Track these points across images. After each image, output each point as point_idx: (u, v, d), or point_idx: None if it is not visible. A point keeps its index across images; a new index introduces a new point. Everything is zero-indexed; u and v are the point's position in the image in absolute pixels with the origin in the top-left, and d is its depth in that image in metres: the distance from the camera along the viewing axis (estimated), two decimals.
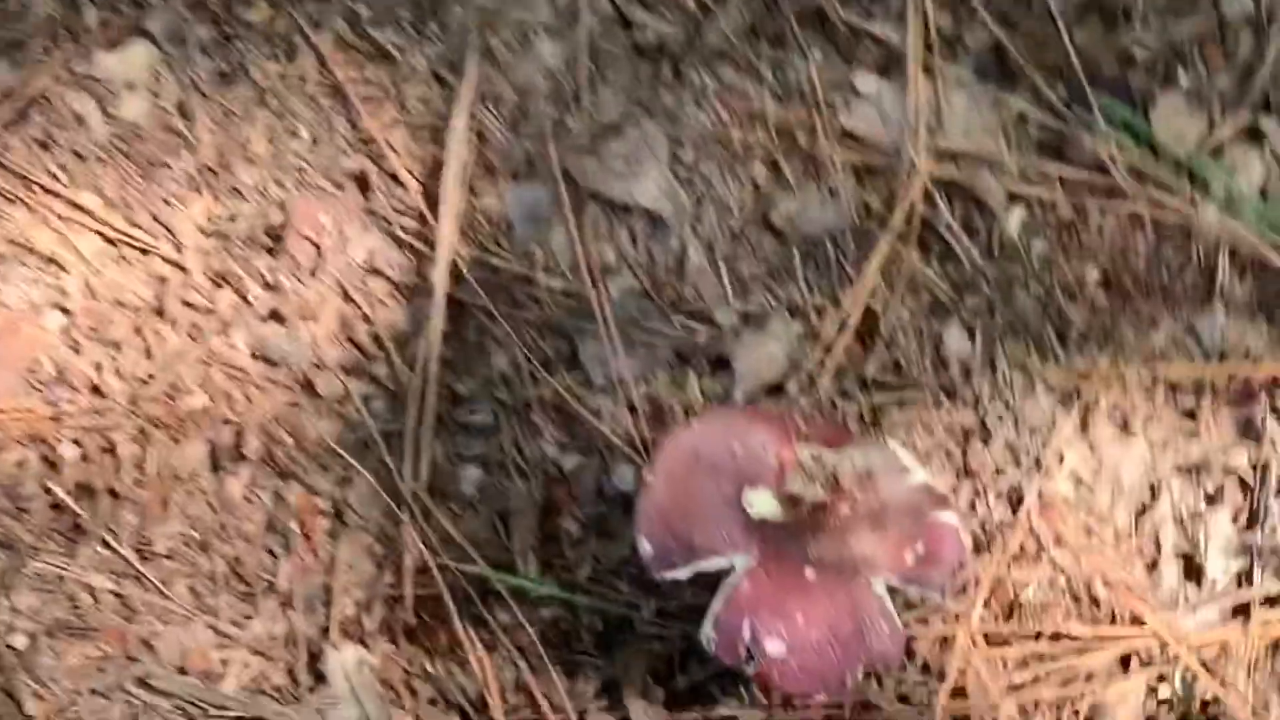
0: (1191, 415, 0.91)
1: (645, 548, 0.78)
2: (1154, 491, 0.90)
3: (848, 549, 0.79)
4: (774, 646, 0.76)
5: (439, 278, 0.95)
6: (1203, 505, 0.89)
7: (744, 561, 0.78)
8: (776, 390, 0.92)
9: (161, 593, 0.92)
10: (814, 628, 0.77)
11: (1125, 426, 0.91)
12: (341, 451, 0.94)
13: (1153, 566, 0.89)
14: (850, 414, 0.91)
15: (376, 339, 0.96)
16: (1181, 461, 0.90)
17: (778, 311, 0.93)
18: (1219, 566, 0.88)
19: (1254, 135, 0.95)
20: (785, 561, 0.78)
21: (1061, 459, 0.90)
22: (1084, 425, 0.91)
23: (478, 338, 0.96)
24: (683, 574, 0.78)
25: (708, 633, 0.77)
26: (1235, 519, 0.89)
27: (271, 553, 0.93)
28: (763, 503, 0.80)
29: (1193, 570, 0.89)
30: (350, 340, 0.96)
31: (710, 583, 0.79)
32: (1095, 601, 0.88)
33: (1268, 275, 0.92)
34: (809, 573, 0.78)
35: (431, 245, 0.96)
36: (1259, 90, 0.95)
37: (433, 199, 0.97)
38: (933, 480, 0.86)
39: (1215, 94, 0.96)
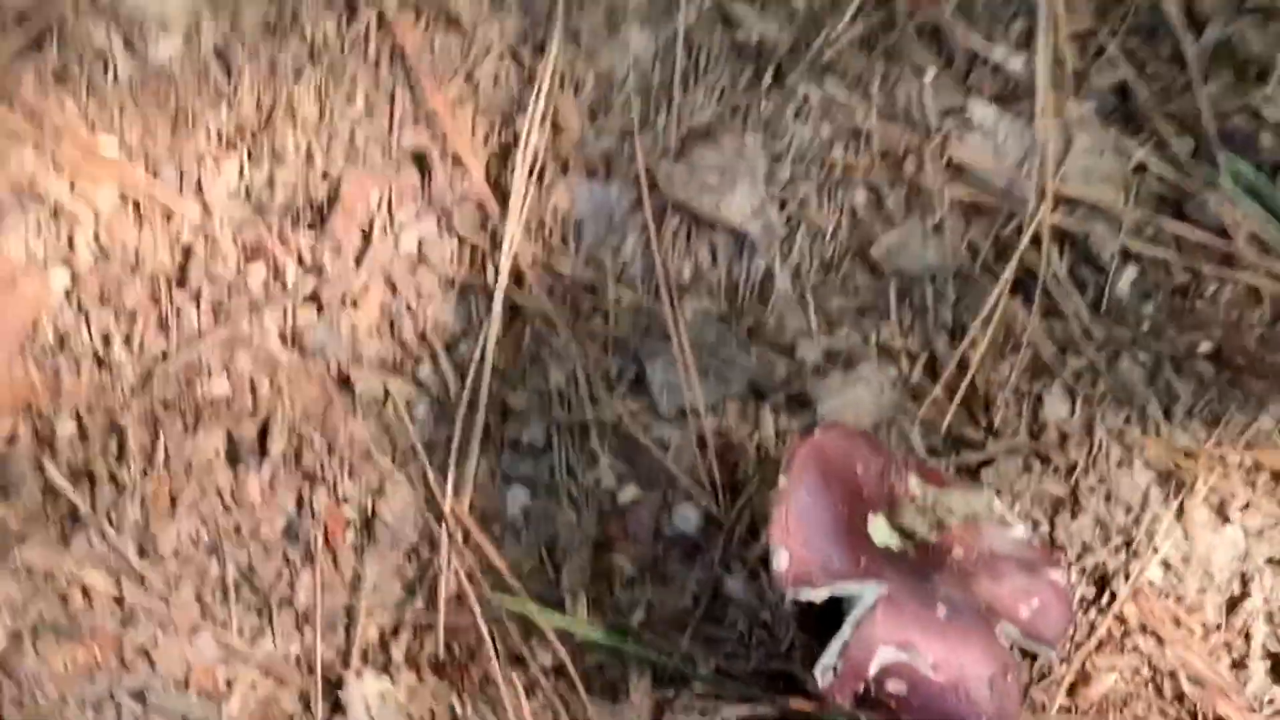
0: None
1: (782, 560, 0.71)
2: (1245, 584, 0.84)
3: (972, 594, 0.74)
4: (896, 686, 0.70)
5: (500, 276, 0.87)
6: None
7: (874, 590, 0.71)
8: None
9: (164, 597, 0.83)
10: (943, 670, 0.71)
11: (1221, 511, 0.85)
12: (377, 457, 0.85)
13: (1239, 664, 0.83)
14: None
15: (423, 337, 0.88)
16: (1277, 554, 0.85)
17: (867, 353, 0.86)
18: None
19: None
20: (917, 595, 0.72)
21: (1154, 542, 0.84)
22: (1180, 507, 0.85)
23: (534, 347, 0.87)
24: (818, 595, 0.71)
25: (830, 663, 0.70)
26: None
27: (290, 563, 0.85)
28: (883, 531, 0.74)
29: None
30: (394, 335, 0.88)
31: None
32: (1180, 697, 0.82)
33: None
34: (940, 611, 0.72)
35: (491, 239, 0.88)
36: None
37: (497, 188, 0.88)
38: (1031, 536, 0.81)
39: None
